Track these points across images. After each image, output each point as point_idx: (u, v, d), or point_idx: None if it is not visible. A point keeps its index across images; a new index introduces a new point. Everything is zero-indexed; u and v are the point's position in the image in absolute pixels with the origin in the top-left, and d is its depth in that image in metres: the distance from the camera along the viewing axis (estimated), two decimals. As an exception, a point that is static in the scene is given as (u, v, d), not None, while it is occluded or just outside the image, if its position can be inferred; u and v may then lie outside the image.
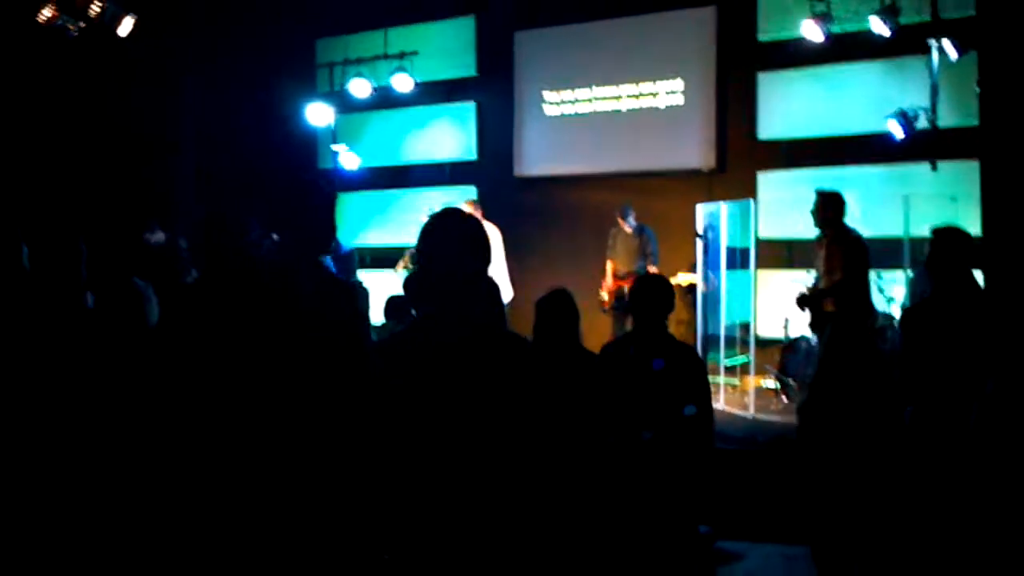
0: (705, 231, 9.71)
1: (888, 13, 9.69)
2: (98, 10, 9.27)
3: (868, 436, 4.70)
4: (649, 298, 4.75)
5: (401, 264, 10.90)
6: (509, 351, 2.92)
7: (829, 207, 7.95)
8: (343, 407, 3.22)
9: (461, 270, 2.87)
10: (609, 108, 12.16)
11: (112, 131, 11.54)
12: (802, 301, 7.97)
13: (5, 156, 10.20)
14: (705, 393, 4.77)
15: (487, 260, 2.94)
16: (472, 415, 2.76)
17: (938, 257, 4.97)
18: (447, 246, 2.88)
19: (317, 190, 3.82)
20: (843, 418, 4.76)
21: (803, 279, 9.45)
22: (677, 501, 4.63)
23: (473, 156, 13.15)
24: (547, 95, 12.61)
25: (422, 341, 2.88)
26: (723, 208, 9.68)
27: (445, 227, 2.92)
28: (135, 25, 10.08)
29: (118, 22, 9.75)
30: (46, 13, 9.14)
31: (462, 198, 12.01)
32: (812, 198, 7.91)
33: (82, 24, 9.47)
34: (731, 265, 9.92)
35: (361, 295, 5.09)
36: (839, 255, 7.68)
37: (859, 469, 4.70)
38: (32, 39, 10.30)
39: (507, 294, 10.06)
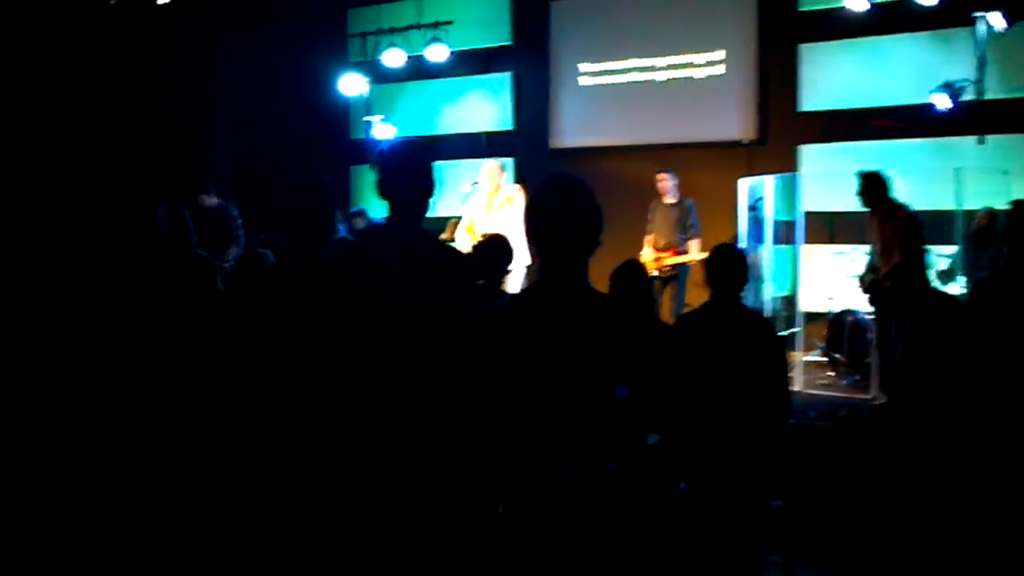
0: (756, 204, 9.63)
1: (934, -17, 9.59)
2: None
3: (970, 408, 4.64)
4: (725, 270, 4.71)
5: (446, 235, 10.85)
6: (624, 320, 2.90)
7: (871, 187, 7.97)
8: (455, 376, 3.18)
9: (576, 238, 2.84)
10: (647, 79, 12.06)
11: (143, 102, 11.50)
12: (869, 287, 7.98)
13: (38, 126, 10.18)
14: (781, 369, 4.74)
15: (598, 227, 2.91)
16: (581, 381, 2.75)
17: (1017, 229, 4.92)
18: (559, 217, 2.85)
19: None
20: (943, 393, 4.72)
21: (848, 254, 9.45)
22: (749, 476, 4.60)
23: (509, 126, 13.08)
24: (583, 66, 12.51)
25: (538, 310, 2.85)
26: (768, 181, 9.61)
27: (557, 194, 2.89)
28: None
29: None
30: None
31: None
32: (855, 174, 7.89)
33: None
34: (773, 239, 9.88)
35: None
36: (894, 233, 7.66)
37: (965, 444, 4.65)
38: (66, 8, 10.27)
39: (523, 259, 9.96)
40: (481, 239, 5.59)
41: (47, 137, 10.18)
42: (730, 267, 4.73)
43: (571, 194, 2.88)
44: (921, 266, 7.71)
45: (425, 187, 3.55)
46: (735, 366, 4.57)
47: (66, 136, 10.47)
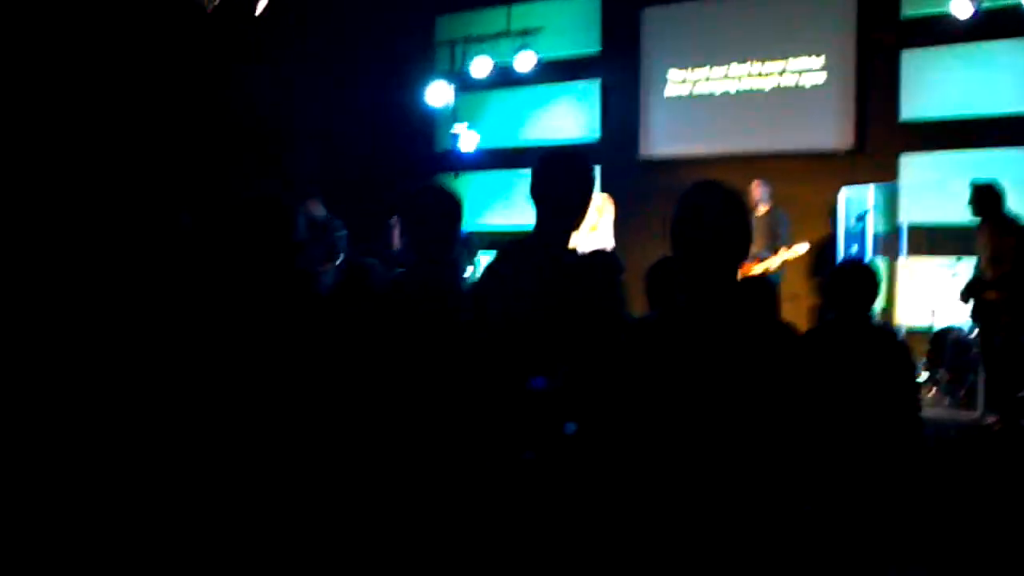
0: (863, 215, 9.33)
1: (1045, -13, 9.22)
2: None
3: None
4: (852, 286, 4.41)
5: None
6: (781, 345, 2.69)
7: (984, 197, 7.75)
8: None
9: (729, 254, 2.66)
10: (740, 87, 11.78)
11: (234, 109, 11.53)
12: (967, 292, 7.69)
13: (133, 130, 10.24)
14: (914, 393, 4.44)
15: (749, 241, 2.72)
16: (733, 411, 2.55)
17: None
18: (713, 227, 2.67)
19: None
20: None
21: (950, 266, 9.12)
22: (876, 502, 4.32)
23: (596, 136, 12.87)
24: (674, 73, 12.28)
25: (683, 330, 2.67)
26: (870, 191, 9.31)
27: (710, 206, 2.70)
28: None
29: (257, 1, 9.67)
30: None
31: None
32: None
33: (216, 1, 9.40)
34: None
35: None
36: (1005, 246, 7.41)
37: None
38: (160, 15, 10.32)
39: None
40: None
41: (140, 140, 10.24)
42: (859, 282, 4.41)
43: (725, 203, 2.70)
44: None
45: (583, 195, 3.33)
46: (865, 390, 4.26)
47: (158, 141, 10.53)
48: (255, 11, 9.68)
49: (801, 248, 9.74)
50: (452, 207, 3.67)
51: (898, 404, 4.25)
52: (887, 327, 8.65)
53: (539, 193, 3.31)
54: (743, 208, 2.74)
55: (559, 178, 3.30)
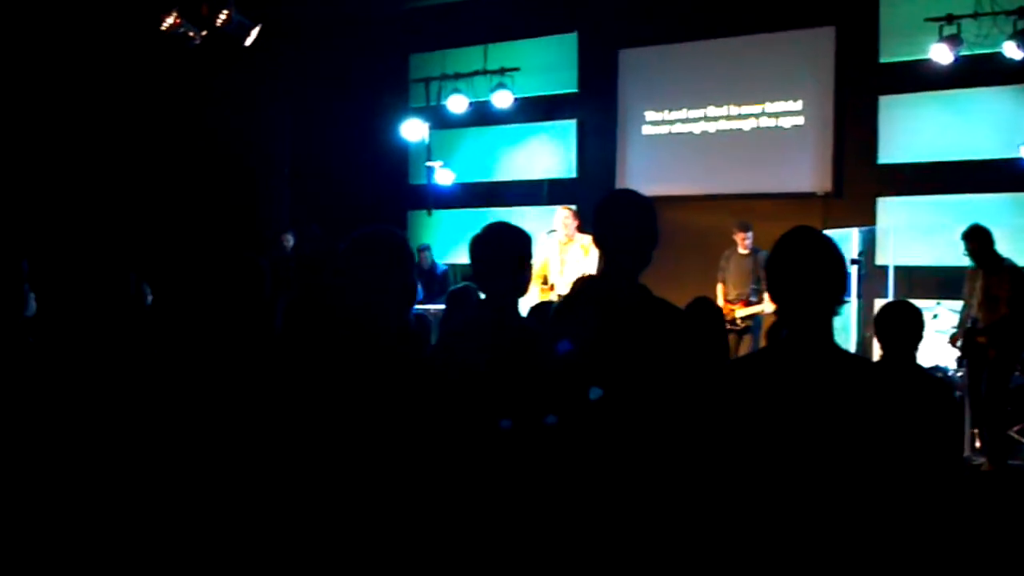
0: (860, 257, 9.42)
1: (1022, 38, 9.38)
2: (224, 19, 9.11)
3: None
4: (899, 326, 4.39)
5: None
6: (877, 383, 2.69)
7: (981, 240, 7.87)
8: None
9: (823, 294, 2.66)
10: (718, 128, 11.89)
11: (206, 147, 11.44)
12: (964, 336, 7.78)
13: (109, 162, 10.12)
14: (958, 436, 4.42)
15: (844, 282, 2.75)
16: (828, 449, 2.54)
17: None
18: (807, 270, 2.71)
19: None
20: None
21: (930, 309, 9.20)
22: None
23: (572, 174, 12.92)
24: (650, 115, 12.37)
25: (780, 366, 2.66)
26: (855, 235, 9.41)
27: (804, 250, 2.74)
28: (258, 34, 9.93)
29: (246, 33, 9.59)
30: (168, 21, 9.01)
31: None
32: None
33: (204, 33, 9.33)
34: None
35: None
36: (1001, 287, 7.51)
37: None
38: (139, 52, 10.21)
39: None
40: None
41: (116, 174, 10.12)
42: (905, 323, 4.40)
43: (819, 247, 2.75)
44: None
45: (649, 237, 3.27)
46: (909, 432, 4.23)
47: (127, 175, 10.41)
48: (244, 42, 9.59)
49: None
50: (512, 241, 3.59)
51: (942, 446, 4.23)
52: (932, 369, 8.71)
53: (602, 235, 3.27)
54: (837, 253, 2.78)
55: (620, 218, 3.26)
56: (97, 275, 3.71)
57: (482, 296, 3.54)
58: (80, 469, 3.40)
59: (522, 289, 3.51)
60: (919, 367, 4.43)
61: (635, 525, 2.95)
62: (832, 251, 2.76)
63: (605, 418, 3.03)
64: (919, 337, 4.38)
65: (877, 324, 4.43)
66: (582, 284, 3.39)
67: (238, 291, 3.68)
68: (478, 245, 3.51)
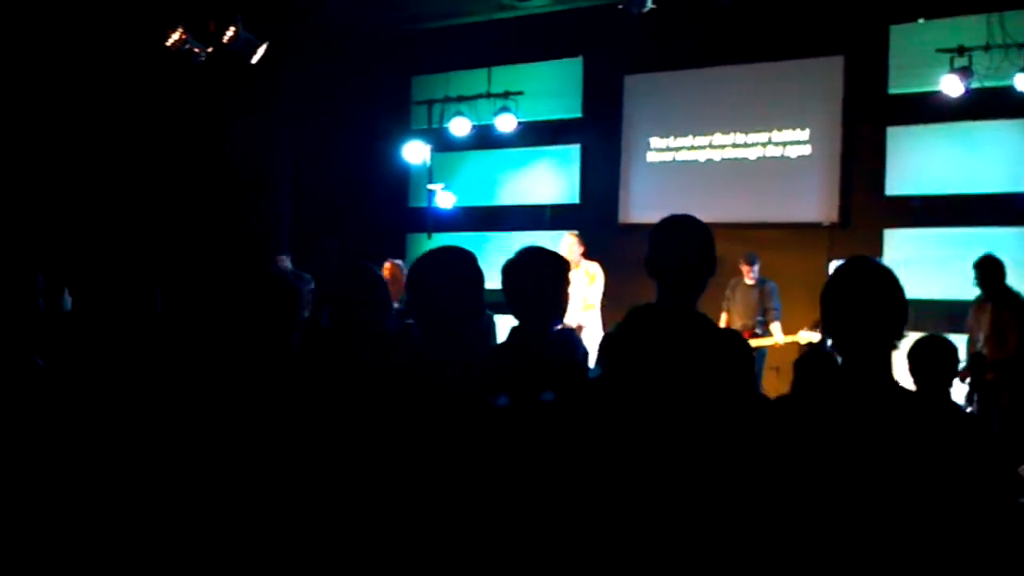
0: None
1: (1034, 71, 9.34)
2: (231, 35, 9.00)
3: None
4: (932, 361, 4.27)
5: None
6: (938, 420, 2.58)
7: (992, 271, 7.76)
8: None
9: (884, 327, 2.55)
10: (723, 156, 11.79)
11: (208, 164, 11.32)
12: (973, 371, 7.63)
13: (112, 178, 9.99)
14: (997, 476, 4.27)
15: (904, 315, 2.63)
16: (890, 488, 2.41)
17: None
18: (868, 302, 2.61)
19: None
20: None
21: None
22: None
23: (575, 200, 12.81)
24: (655, 141, 12.27)
25: (841, 408, 2.56)
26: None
27: (864, 281, 2.64)
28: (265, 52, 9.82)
29: (253, 51, 9.49)
30: (174, 37, 8.90)
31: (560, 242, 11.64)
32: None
33: (209, 49, 9.22)
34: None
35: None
36: (1010, 321, 7.38)
37: None
38: (143, 67, 10.10)
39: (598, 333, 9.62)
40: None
41: (115, 183, 9.99)
42: (940, 358, 4.28)
43: (880, 278, 2.64)
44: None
45: (709, 264, 3.14)
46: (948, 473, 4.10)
47: (128, 191, 10.28)
48: (251, 59, 9.48)
49: (811, 336, 9.64)
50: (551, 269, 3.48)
51: (984, 487, 4.09)
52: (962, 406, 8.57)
53: (658, 261, 3.13)
54: (898, 284, 2.67)
55: (680, 245, 3.11)
56: (123, 292, 3.56)
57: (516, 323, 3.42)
58: (92, 494, 3.26)
59: (560, 314, 3.39)
60: (955, 404, 4.33)
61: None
62: (893, 282, 2.64)
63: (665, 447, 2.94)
64: (954, 373, 4.29)
65: (911, 359, 4.31)
66: (638, 315, 3.23)
67: (272, 314, 3.55)
68: (514, 270, 3.39)
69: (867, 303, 2.61)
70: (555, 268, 3.43)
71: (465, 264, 3.15)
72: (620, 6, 9.83)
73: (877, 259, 2.80)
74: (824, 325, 2.70)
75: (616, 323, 5.07)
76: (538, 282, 3.36)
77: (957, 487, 2.52)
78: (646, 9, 9.80)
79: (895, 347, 2.63)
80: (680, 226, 3.15)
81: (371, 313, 3.85)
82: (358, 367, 3.66)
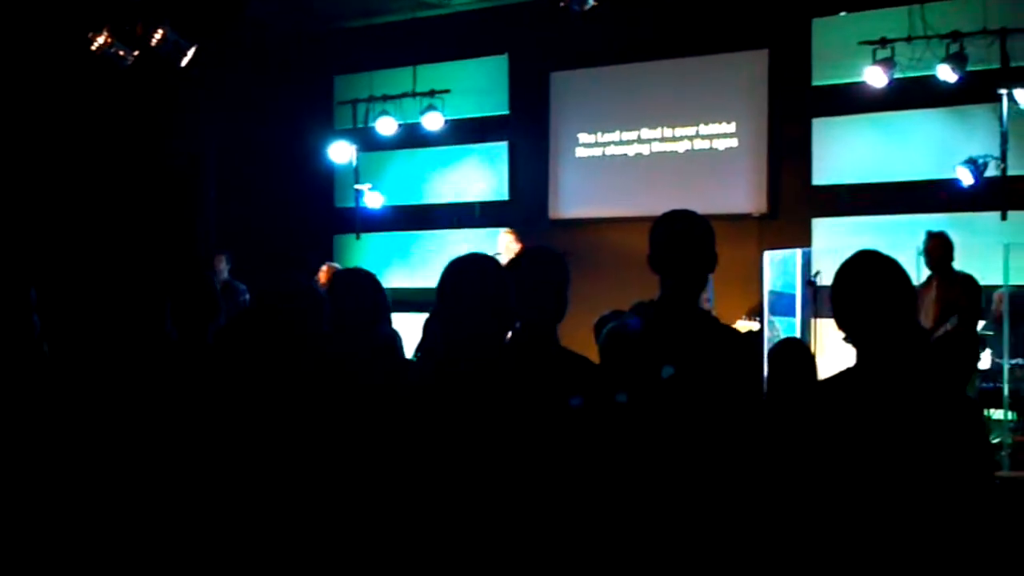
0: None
1: (956, 60, 9.56)
2: (159, 38, 8.79)
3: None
4: (787, 367, 4.40)
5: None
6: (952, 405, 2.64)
7: (943, 248, 7.93)
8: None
9: (896, 317, 2.61)
10: (652, 150, 11.89)
11: (132, 167, 11.06)
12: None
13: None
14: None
15: (912, 303, 2.70)
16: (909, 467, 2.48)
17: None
18: (872, 295, 2.69)
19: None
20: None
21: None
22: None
23: (505, 196, 12.81)
24: (583, 137, 12.33)
25: (854, 392, 2.65)
26: (798, 255, 9.48)
27: (867, 274, 2.72)
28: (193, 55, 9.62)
29: (182, 54, 9.30)
30: (99, 40, 8.66)
31: (491, 239, 11.63)
32: (924, 233, 8.01)
33: (136, 53, 8.99)
34: (785, 312, 9.74)
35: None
36: (958, 298, 7.53)
37: None
38: (68, 69, 9.83)
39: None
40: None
41: (37, 188, 9.73)
42: (792, 363, 4.42)
43: (886, 273, 2.71)
44: (975, 338, 7.54)
45: (707, 259, 3.17)
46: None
47: (51, 195, 10.03)
48: (180, 62, 9.28)
49: (750, 325, 9.81)
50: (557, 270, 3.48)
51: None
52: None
53: (660, 257, 3.17)
54: (904, 278, 2.74)
55: (682, 241, 3.15)
56: (128, 308, 3.50)
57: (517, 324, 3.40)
58: (91, 507, 3.20)
59: (561, 315, 3.39)
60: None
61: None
62: (900, 272, 2.70)
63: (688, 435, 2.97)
64: (812, 376, 4.44)
65: (770, 362, 4.48)
66: (642, 311, 3.27)
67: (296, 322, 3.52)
68: (522, 270, 3.39)
69: (878, 294, 2.67)
70: (556, 268, 3.43)
71: (496, 273, 3.12)
72: (561, 3, 9.80)
73: (876, 250, 2.82)
74: (836, 320, 2.76)
75: (610, 314, 5.09)
76: (539, 282, 3.36)
77: (969, 471, 2.58)
78: (588, 7, 9.80)
79: (906, 334, 2.69)
80: (683, 222, 3.20)
81: (308, 328, 3.76)
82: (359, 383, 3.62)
